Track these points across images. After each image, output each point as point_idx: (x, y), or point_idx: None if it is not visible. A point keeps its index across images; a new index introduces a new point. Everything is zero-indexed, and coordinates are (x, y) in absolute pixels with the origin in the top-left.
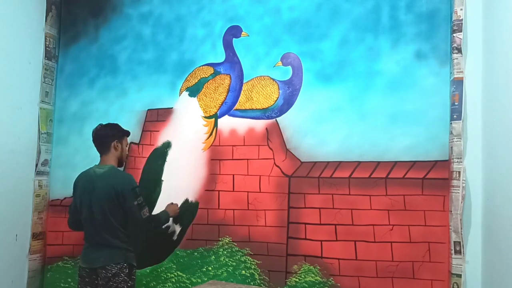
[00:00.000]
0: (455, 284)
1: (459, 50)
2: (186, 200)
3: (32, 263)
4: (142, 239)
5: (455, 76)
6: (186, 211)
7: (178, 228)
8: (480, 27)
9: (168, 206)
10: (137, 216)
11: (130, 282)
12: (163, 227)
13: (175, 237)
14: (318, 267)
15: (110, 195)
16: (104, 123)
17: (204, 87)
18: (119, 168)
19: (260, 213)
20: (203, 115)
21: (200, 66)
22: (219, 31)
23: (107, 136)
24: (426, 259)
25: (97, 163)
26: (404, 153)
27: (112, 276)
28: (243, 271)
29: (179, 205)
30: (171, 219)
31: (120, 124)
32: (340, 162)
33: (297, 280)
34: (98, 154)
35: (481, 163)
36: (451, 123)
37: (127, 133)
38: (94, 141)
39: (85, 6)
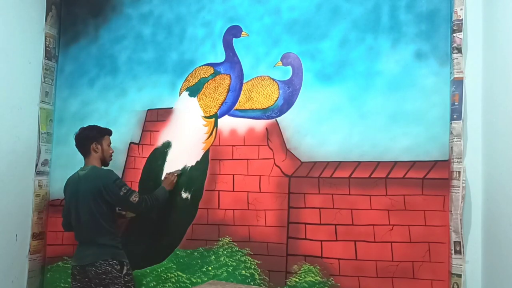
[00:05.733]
0: (455, 284)
1: (459, 50)
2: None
3: (32, 263)
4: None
5: (455, 76)
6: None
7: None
8: (480, 27)
9: (164, 180)
10: (129, 204)
11: (126, 277)
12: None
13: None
14: (318, 267)
15: (94, 194)
16: (84, 126)
17: (204, 87)
18: (101, 167)
19: (260, 213)
20: (203, 115)
21: (200, 66)
22: (219, 31)
23: (86, 139)
24: (426, 259)
25: None
26: (404, 153)
27: (103, 273)
28: (243, 271)
29: (176, 174)
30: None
31: (120, 124)
32: (340, 162)
33: (297, 280)
34: None
35: (481, 163)
36: (451, 123)
37: (107, 133)
38: (76, 145)
39: (85, 6)
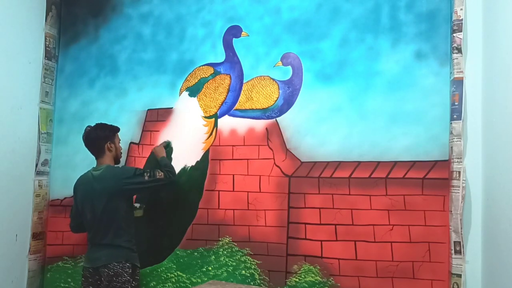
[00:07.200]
0: (455, 284)
1: (459, 50)
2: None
3: (32, 263)
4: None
5: (455, 76)
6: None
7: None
8: (480, 27)
9: (156, 151)
10: (158, 182)
11: (134, 282)
12: None
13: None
14: (318, 267)
15: (113, 194)
16: (91, 125)
17: (204, 87)
18: (114, 166)
19: (260, 213)
20: (203, 115)
21: (200, 66)
22: (219, 31)
23: (99, 138)
24: (426, 259)
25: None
26: (404, 153)
27: (114, 275)
28: (243, 271)
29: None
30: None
31: (120, 124)
32: (340, 162)
33: (297, 280)
34: None
35: (481, 163)
36: (451, 123)
37: (117, 130)
38: (86, 145)
39: (85, 6)
